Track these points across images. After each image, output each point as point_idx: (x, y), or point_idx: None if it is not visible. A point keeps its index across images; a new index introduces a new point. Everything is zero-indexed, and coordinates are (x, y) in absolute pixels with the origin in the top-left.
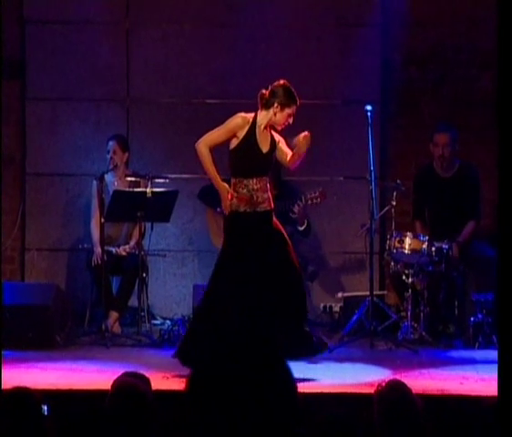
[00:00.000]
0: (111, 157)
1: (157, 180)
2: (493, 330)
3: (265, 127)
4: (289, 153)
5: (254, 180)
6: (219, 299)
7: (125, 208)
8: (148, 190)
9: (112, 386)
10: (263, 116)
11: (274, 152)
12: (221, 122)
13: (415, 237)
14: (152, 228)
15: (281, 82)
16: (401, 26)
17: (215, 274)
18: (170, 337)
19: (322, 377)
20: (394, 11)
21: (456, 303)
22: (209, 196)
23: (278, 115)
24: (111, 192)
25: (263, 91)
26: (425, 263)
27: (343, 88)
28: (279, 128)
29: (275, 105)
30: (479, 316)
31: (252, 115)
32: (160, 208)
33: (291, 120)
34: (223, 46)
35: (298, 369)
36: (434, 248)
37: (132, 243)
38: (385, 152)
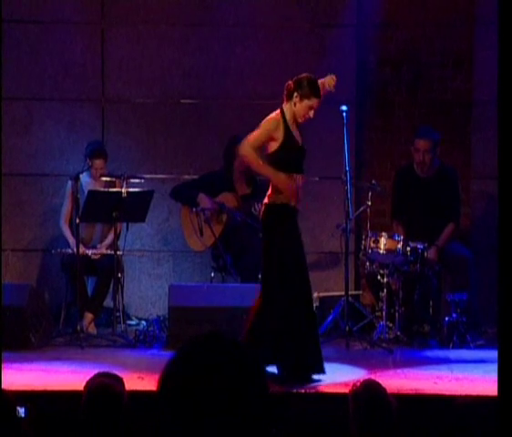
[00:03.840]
0: (95, 170)
1: (132, 180)
2: (467, 330)
3: (293, 121)
4: None
5: (299, 176)
6: (287, 292)
7: (100, 209)
8: (124, 190)
9: (85, 387)
10: (288, 109)
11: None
12: (197, 122)
13: (391, 237)
14: (128, 229)
15: (306, 74)
16: (375, 27)
17: (277, 268)
18: (146, 337)
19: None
20: (368, 12)
21: (431, 303)
22: (184, 193)
23: (297, 105)
24: (86, 192)
25: (289, 82)
26: (400, 263)
27: None
28: (299, 121)
29: (295, 95)
30: (454, 316)
31: (278, 111)
32: (136, 209)
33: (311, 114)
34: (198, 47)
35: (273, 368)
36: (409, 248)
37: (108, 241)
38: (361, 152)
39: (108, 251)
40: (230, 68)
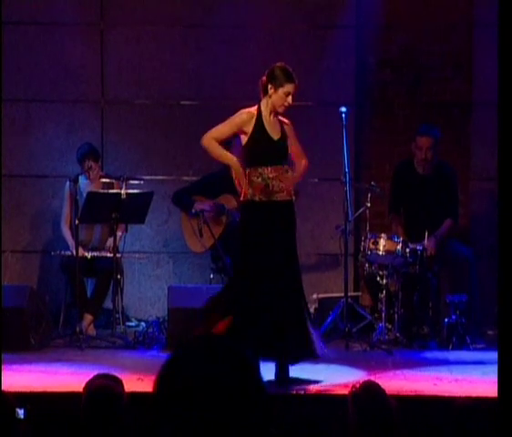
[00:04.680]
0: (87, 172)
1: (131, 182)
2: (466, 331)
3: (271, 114)
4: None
5: (269, 169)
6: (240, 291)
7: (99, 210)
8: (123, 192)
9: (84, 388)
10: (265, 104)
11: (287, 139)
12: (196, 123)
13: (390, 238)
14: (127, 230)
15: (277, 64)
16: (375, 29)
17: (237, 265)
18: (145, 339)
19: (297, 378)
20: (368, 13)
21: (430, 304)
22: (183, 200)
23: (273, 96)
24: (85, 194)
25: (262, 78)
26: (400, 264)
27: (318, 90)
28: (280, 111)
29: (269, 87)
30: (453, 317)
31: (256, 107)
32: (135, 210)
33: (289, 100)
34: (198, 48)
35: (272, 369)
36: (408, 250)
37: (109, 243)
38: (360, 154)
39: (108, 253)
40: (229, 69)
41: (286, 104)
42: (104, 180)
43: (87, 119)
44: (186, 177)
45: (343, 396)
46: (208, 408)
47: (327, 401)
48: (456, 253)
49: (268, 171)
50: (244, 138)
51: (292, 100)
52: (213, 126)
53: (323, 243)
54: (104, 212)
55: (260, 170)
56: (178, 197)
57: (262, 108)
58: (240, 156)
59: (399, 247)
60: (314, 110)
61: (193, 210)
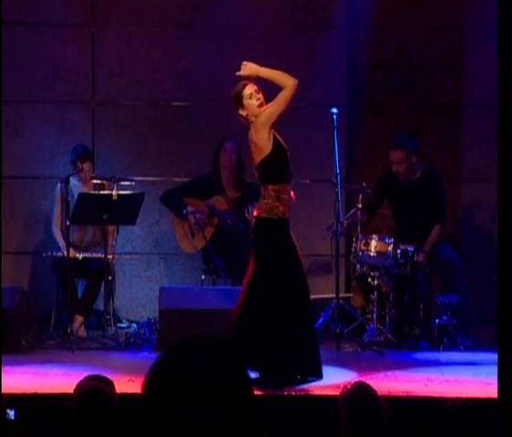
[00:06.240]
0: (81, 173)
1: (123, 183)
2: (457, 332)
3: (270, 127)
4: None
5: (289, 186)
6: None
7: (90, 211)
8: (114, 193)
9: (75, 390)
10: (255, 119)
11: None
12: (187, 124)
13: (381, 239)
14: (118, 231)
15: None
16: (366, 30)
17: (271, 280)
18: (136, 340)
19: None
20: (359, 14)
21: (421, 305)
22: (174, 201)
23: (247, 110)
24: (76, 195)
25: (237, 114)
26: (391, 265)
27: (309, 91)
28: (261, 109)
29: (240, 110)
30: (444, 318)
31: (251, 127)
32: (126, 211)
33: (257, 95)
34: (189, 49)
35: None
36: (399, 251)
37: (110, 242)
38: (351, 155)
39: (99, 254)
40: (220, 70)
41: (258, 102)
42: (95, 181)
43: (77, 120)
44: (177, 179)
45: (335, 397)
46: (197, 408)
47: (318, 402)
48: (445, 255)
49: (289, 188)
50: (262, 153)
51: (260, 92)
52: (205, 127)
53: (315, 244)
54: (95, 213)
55: (288, 187)
56: (167, 197)
57: (259, 126)
58: (257, 170)
59: (390, 248)
60: (305, 111)
61: (185, 211)
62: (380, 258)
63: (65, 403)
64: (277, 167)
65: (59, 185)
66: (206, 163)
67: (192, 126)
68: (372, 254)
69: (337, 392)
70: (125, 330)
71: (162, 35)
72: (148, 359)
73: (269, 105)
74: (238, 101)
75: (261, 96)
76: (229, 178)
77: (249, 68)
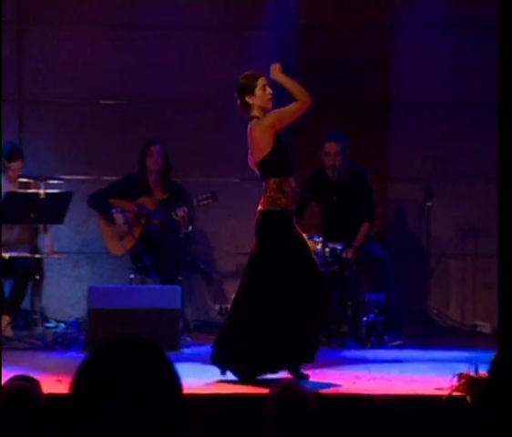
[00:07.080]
0: (9, 172)
1: (50, 182)
2: (385, 330)
3: (275, 131)
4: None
5: (291, 179)
6: (274, 300)
7: (18, 210)
8: (42, 191)
9: (1, 390)
10: (257, 114)
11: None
12: (117, 123)
13: (310, 238)
14: (46, 230)
15: (239, 78)
16: (294, 30)
17: (271, 276)
18: (64, 340)
19: (218, 378)
20: (286, 15)
21: (349, 303)
22: (100, 202)
23: (256, 100)
24: (2, 194)
25: (237, 102)
26: (320, 264)
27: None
28: (268, 106)
29: (247, 98)
30: (371, 316)
31: (254, 120)
32: (54, 210)
33: (269, 90)
34: (118, 47)
35: (193, 372)
36: (328, 249)
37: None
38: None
39: (27, 254)
40: (150, 69)
41: (269, 96)
42: (22, 180)
43: (4, 119)
44: (106, 177)
45: (264, 396)
46: (124, 409)
47: (247, 401)
48: (373, 252)
49: (292, 181)
50: (263, 152)
51: (270, 87)
52: (134, 126)
53: (244, 243)
54: (23, 212)
55: (289, 180)
56: (94, 199)
57: (263, 120)
58: (258, 168)
59: (319, 246)
60: (235, 110)
61: (113, 211)
62: None
63: None
64: (278, 162)
65: None
66: (135, 162)
67: (121, 124)
68: None
69: (266, 391)
70: (53, 330)
71: (90, 32)
72: (76, 359)
73: (279, 109)
74: (249, 88)
75: (271, 91)
76: (155, 181)
77: (278, 72)
